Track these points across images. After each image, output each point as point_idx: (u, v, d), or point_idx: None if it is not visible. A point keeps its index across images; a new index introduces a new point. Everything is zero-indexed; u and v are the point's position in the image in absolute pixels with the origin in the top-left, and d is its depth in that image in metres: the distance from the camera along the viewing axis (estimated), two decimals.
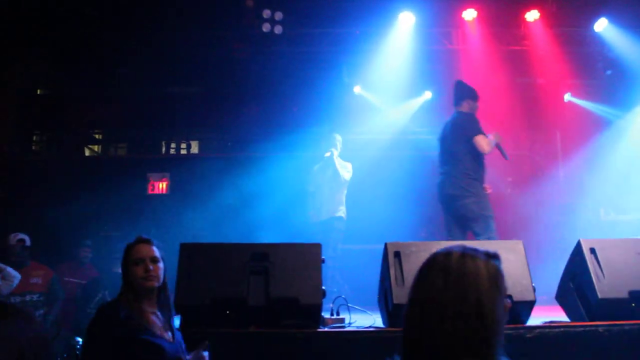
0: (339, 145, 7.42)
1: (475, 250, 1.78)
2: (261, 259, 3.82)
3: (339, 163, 7.29)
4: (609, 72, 9.44)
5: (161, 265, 3.08)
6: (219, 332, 3.59)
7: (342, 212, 7.26)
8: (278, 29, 8.13)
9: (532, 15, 8.96)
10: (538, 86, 9.60)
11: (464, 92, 6.26)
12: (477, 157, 6.01)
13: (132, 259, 3.02)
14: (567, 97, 9.72)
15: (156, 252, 3.09)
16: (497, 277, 1.72)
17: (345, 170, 7.32)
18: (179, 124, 9.87)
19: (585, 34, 9.23)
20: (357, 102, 9.39)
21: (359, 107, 9.35)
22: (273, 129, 9.07)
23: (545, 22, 8.99)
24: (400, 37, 8.85)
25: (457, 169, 5.99)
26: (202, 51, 8.83)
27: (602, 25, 8.98)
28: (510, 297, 3.83)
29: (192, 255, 3.86)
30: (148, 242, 3.10)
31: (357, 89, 9.42)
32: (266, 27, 8.12)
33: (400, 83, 9.01)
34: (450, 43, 9.28)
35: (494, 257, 1.78)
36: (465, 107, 6.20)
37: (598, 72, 9.58)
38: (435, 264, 1.76)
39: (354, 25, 8.91)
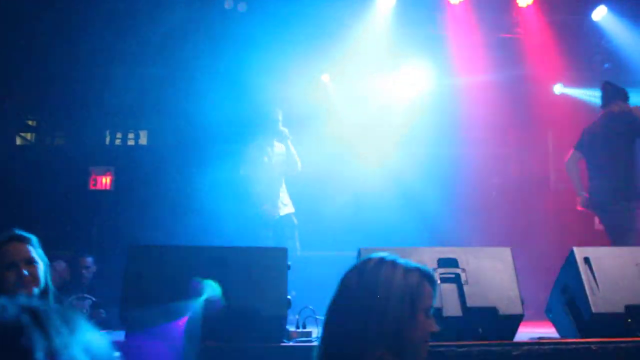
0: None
1: (401, 260, 1.90)
2: (219, 264, 3.79)
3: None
4: (606, 65, 9.63)
5: (39, 266, 2.88)
6: (169, 346, 3.56)
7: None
8: (242, 7, 8.09)
9: (525, 1, 9.08)
10: (529, 78, 9.72)
11: (616, 93, 6.55)
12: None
13: (2, 263, 2.80)
14: (559, 88, 9.89)
15: (32, 251, 2.89)
16: (414, 290, 1.82)
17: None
18: (125, 110, 9.72)
19: (582, 22, 9.41)
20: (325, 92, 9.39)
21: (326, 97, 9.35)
22: (231, 118, 8.99)
23: (539, 8, 9.12)
24: (378, 21, 8.88)
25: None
26: (151, 29, 8.70)
27: (600, 14, 9.16)
28: (495, 309, 3.90)
29: (142, 260, 3.82)
30: (20, 239, 2.90)
31: (325, 77, 9.39)
32: (228, 4, 8.08)
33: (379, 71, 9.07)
34: (434, 28, 9.35)
35: (425, 273, 1.88)
36: (615, 108, 6.49)
37: (595, 65, 9.76)
38: (353, 270, 1.92)
39: (326, 6, 8.88)
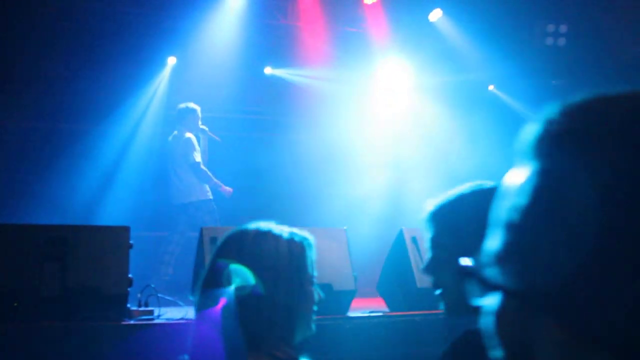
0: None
1: (279, 229, 1.74)
2: (58, 243, 3.61)
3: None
4: None
5: None
6: (3, 326, 3.35)
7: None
8: None
9: None
10: (371, 70, 10.00)
11: None
12: None
13: None
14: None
15: None
16: (300, 259, 1.70)
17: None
18: None
19: (420, 22, 9.79)
20: (177, 75, 9.15)
21: (179, 80, 9.13)
22: (94, 98, 8.55)
23: (382, 6, 9.39)
24: (231, 7, 8.77)
25: None
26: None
27: (436, 16, 9.59)
28: (330, 286, 3.99)
29: None
30: None
31: (172, 60, 9.13)
32: None
33: (232, 56, 8.95)
34: (285, 18, 9.40)
35: (303, 239, 1.75)
36: None
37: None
38: (228, 245, 1.72)
39: None
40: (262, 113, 9.83)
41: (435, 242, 1.72)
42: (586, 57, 9.77)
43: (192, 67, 8.91)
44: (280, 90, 9.70)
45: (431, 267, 1.72)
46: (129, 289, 3.68)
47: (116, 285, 3.62)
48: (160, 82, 9.01)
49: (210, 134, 7.47)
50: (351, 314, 4.20)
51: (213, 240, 3.91)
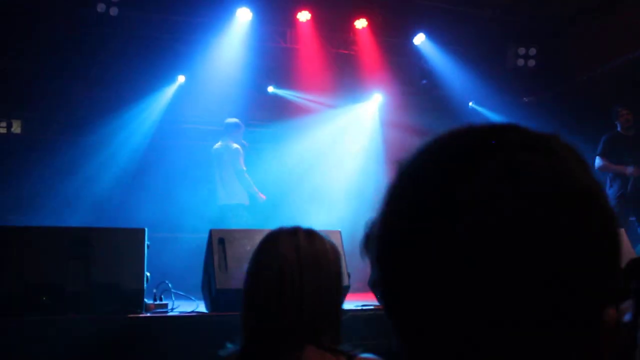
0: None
1: (313, 232, 1.68)
2: (82, 243, 3.61)
3: None
4: (424, 81, 10.17)
5: None
6: (33, 319, 3.34)
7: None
8: (113, 11, 7.72)
9: (361, 23, 9.38)
10: (360, 88, 10.04)
11: None
12: None
13: None
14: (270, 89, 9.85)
15: None
16: (339, 258, 1.68)
17: None
18: None
19: (405, 45, 9.85)
20: (187, 91, 9.17)
21: (189, 96, 9.14)
22: (104, 112, 8.58)
23: (372, 30, 9.45)
24: (237, 31, 8.82)
25: None
26: (29, 24, 8.11)
27: (420, 39, 9.67)
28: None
29: (1, 241, 3.54)
30: None
31: (181, 79, 9.15)
32: (101, 8, 7.68)
33: (234, 76, 8.97)
34: (285, 42, 9.44)
35: (337, 248, 1.72)
36: None
37: (414, 80, 10.28)
38: (282, 240, 1.63)
39: (191, 15, 8.74)
40: (262, 126, 9.86)
41: None
42: (553, 77, 9.85)
43: (200, 85, 8.95)
44: (280, 107, 9.75)
45: None
46: (145, 285, 3.67)
47: (134, 282, 3.62)
48: (169, 97, 9.06)
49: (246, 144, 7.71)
50: (345, 306, 4.20)
51: (221, 241, 3.91)
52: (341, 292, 1.66)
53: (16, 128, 9.42)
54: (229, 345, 1.64)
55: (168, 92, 9.06)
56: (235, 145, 7.38)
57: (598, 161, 7.09)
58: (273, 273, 1.59)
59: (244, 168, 7.32)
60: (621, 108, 7.05)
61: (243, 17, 8.74)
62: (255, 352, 1.58)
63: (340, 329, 1.64)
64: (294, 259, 1.58)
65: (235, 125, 7.59)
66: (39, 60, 8.42)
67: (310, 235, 1.65)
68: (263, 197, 7.47)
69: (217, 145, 7.55)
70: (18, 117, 9.39)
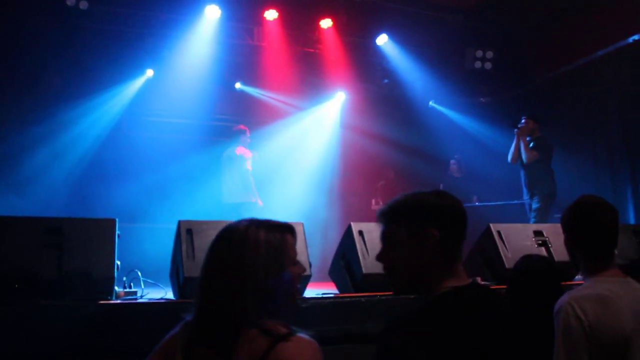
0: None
1: (266, 222, 1.82)
2: (55, 233, 3.70)
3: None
4: (385, 80, 10.39)
5: None
6: (5, 307, 3.41)
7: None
8: (83, 5, 7.72)
9: (326, 23, 9.55)
10: (325, 86, 10.20)
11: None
12: None
13: None
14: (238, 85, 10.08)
15: None
16: (277, 247, 1.76)
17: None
18: None
19: (369, 45, 10.05)
20: (154, 85, 9.20)
21: (155, 90, 9.17)
22: (72, 102, 8.54)
23: (336, 30, 9.62)
24: (205, 28, 8.89)
25: None
26: None
27: (383, 40, 9.87)
28: None
29: None
30: None
31: (149, 72, 9.19)
32: (70, 1, 7.67)
33: (203, 71, 9.04)
34: (252, 39, 9.54)
35: (284, 229, 1.83)
36: None
37: (376, 79, 10.49)
38: (222, 235, 1.81)
39: (160, 11, 8.77)
40: (229, 121, 9.94)
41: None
42: (508, 79, 10.18)
43: (168, 79, 8.99)
44: (247, 103, 9.86)
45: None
46: (116, 273, 3.78)
47: (105, 270, 3.71)
48: (136, 90, 9.08)
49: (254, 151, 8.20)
50: (307, 294, 4.36)
51: (189, 231, 4.04)
52: (284, 280, 1.74)
53: None
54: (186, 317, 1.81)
55: (135, 85, 9.08)
56: (242, 149, 7.95)
57: None
58: (222, 255, 1.76)
59: (250, 169, 7.86)
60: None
61: (212, 14, 8.81)
62: (196, 327, 1.74)
63: (278, 312, 1.73)
64: (241, 245, 1.73)
65: (240, 131, 8.14)
66: (5, 50, 8.33)
67: (260, 226, 1.79)
68: (260, 203, 7.92)
69: (228, 150, 8.10)
70: None
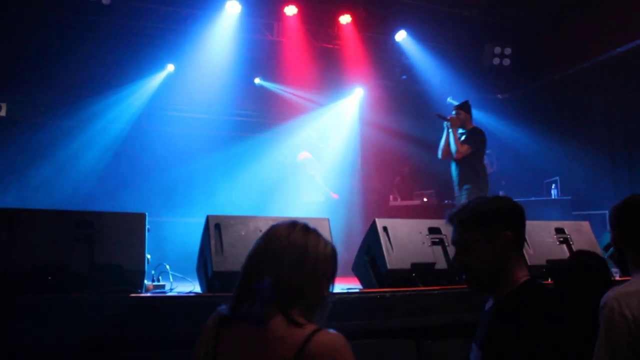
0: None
1: (319, 231, 1.97)
2: (87, 226, 3.71)
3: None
4: (404, 76, 10.33)
5: None
6: (39, 297, 3.44)
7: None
8: (106, 0, 7.73)
9: (345, 19, 9.51)
10: (344, 82, 10.17)
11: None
12: None
13: None
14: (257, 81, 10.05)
15: None
16: (327, 259, 1.93)
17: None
18: None
19: (387, 41, 10.00)
20: (175, 80, 9.22)
21: (176, 85, 9.19)
22: (91, 98, 8.59)
23: (355, 26, 9.58)
24: (226, 23, 8.89)
25: None
26: (17, 9, 8.05)
27: (401, 36, 9.82)
28: None
29: (10, 223, 3.62)
30: None
31: (170, 67, 9.21)
32: None
33: (223, 66, 9.05)
34: (272, 35, 9.52)
35: (334, 248, 2.00)
36: None
37: (395, 75, 10.44)
38: (281, 228, 1.94)
39: (181, 6, 8.78)
40: (249, 116, 9.95)
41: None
42: (527, 75, 10.09)
43: (189, 74, 9.00)
44: (265, 98, 9.85)
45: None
46: (146, 267, 3.79)
47: (135, 263, 3.72)
48: (157, 85, 9.10)
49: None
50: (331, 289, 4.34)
51: (217, 226, 4.04)
52: (319, 281, 1.88)
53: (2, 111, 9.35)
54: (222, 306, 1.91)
55: (156, 80, 9.12)
56: (305, 155, 8.33)
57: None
58: (264, 247, 1.90)
59: (313, 173, 8.19)
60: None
61: (232, 9, 8.80)
62: (231, 312, 1.86)
63: (314, 309, 1.87)
64: (284, 241, 1.88)
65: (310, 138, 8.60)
66: (28, 44, 8.38)
67: (306, 230, 1.95)
68: (336, 196, 8.33)
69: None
70: (3, 100, 9.31)
